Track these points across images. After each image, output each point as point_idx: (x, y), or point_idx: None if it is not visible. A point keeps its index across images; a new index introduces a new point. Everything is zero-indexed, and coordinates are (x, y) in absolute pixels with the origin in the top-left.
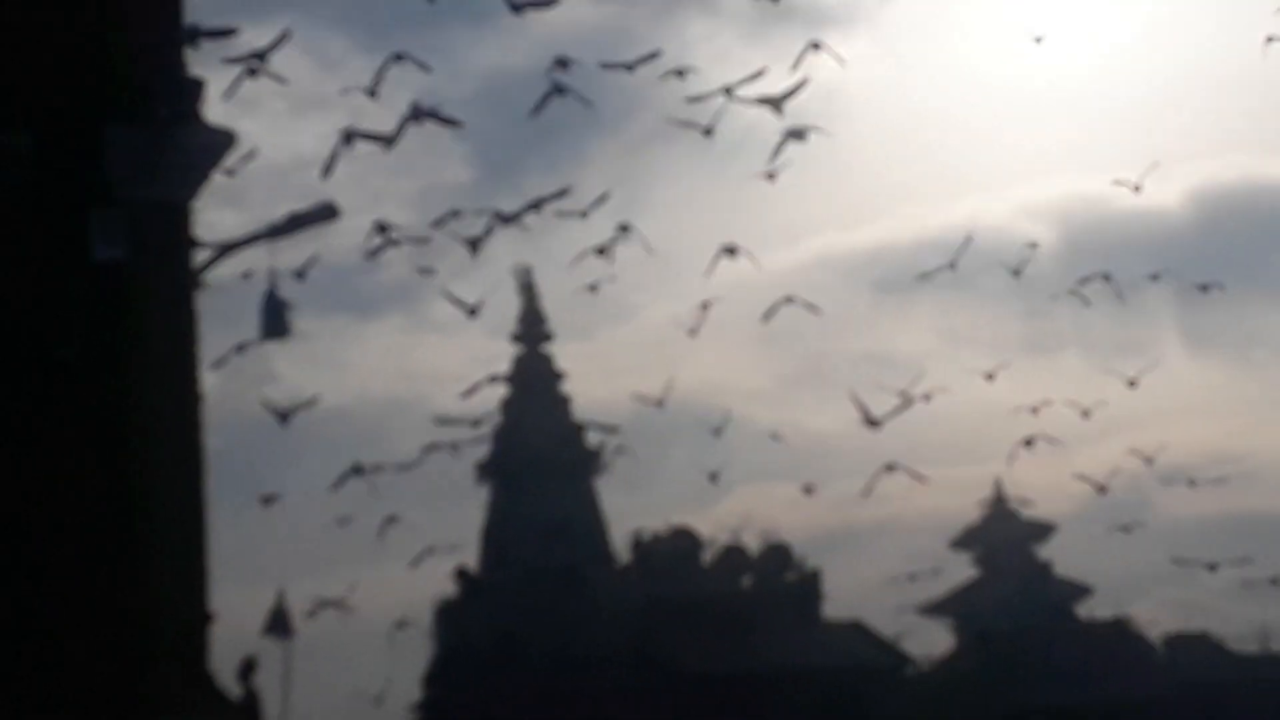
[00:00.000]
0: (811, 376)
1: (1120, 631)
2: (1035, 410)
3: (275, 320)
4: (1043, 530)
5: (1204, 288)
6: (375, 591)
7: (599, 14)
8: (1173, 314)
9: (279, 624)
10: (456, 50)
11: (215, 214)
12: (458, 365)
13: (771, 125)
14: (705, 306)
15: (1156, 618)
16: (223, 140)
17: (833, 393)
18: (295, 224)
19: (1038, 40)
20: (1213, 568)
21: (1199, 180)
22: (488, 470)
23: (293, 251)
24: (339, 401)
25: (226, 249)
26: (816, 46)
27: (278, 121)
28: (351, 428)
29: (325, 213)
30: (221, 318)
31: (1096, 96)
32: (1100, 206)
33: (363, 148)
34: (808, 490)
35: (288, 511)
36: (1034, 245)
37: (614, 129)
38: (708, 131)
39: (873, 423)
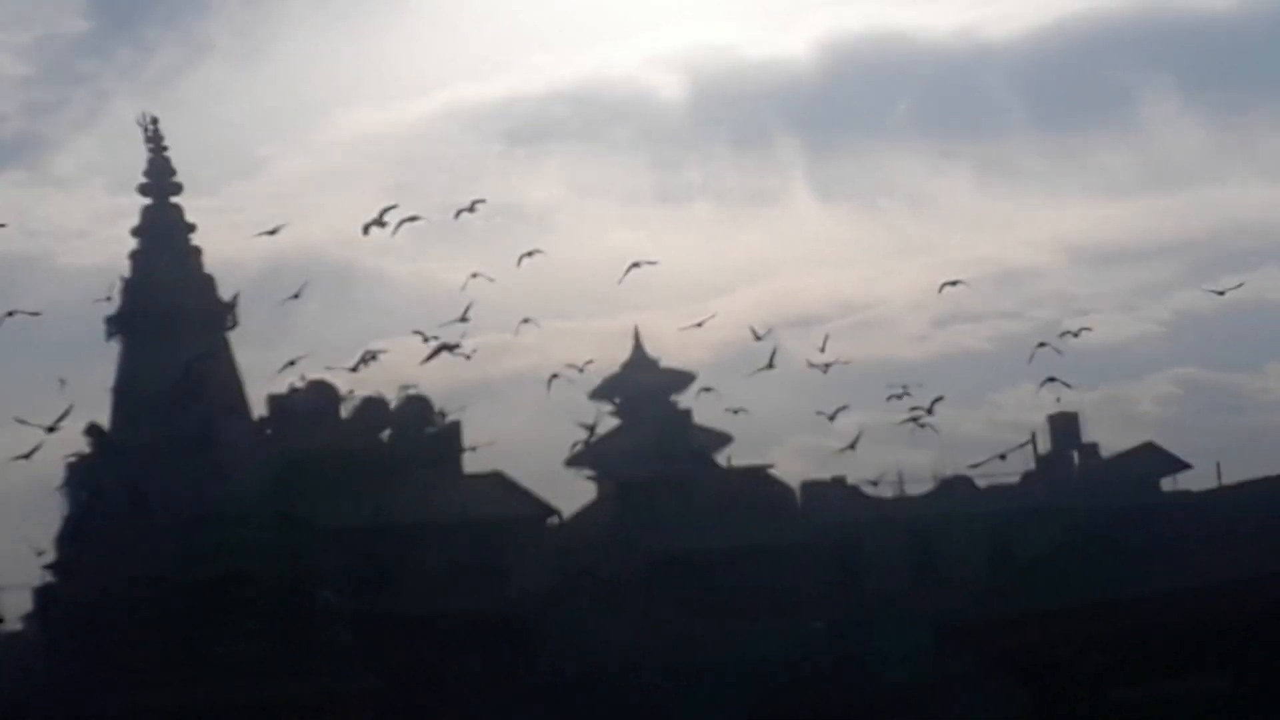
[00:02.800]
0: (443, 229)
1: (758, 478)
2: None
3: None
4: (682, 379)
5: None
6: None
7: None
8: (801, 163)
9: None
10: None
11: None
12: (81, 220)
13: None
14: None
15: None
16: None
17: (466, 245)
18: None
19: None
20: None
21: (825, 29)
22: (117, 324)
23: None
24: None
25: None
26: None
27: None
28: None
29: None
30: None
31: None
32: (728, 55)
33: None
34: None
35: None
36: None
37: None
38: None
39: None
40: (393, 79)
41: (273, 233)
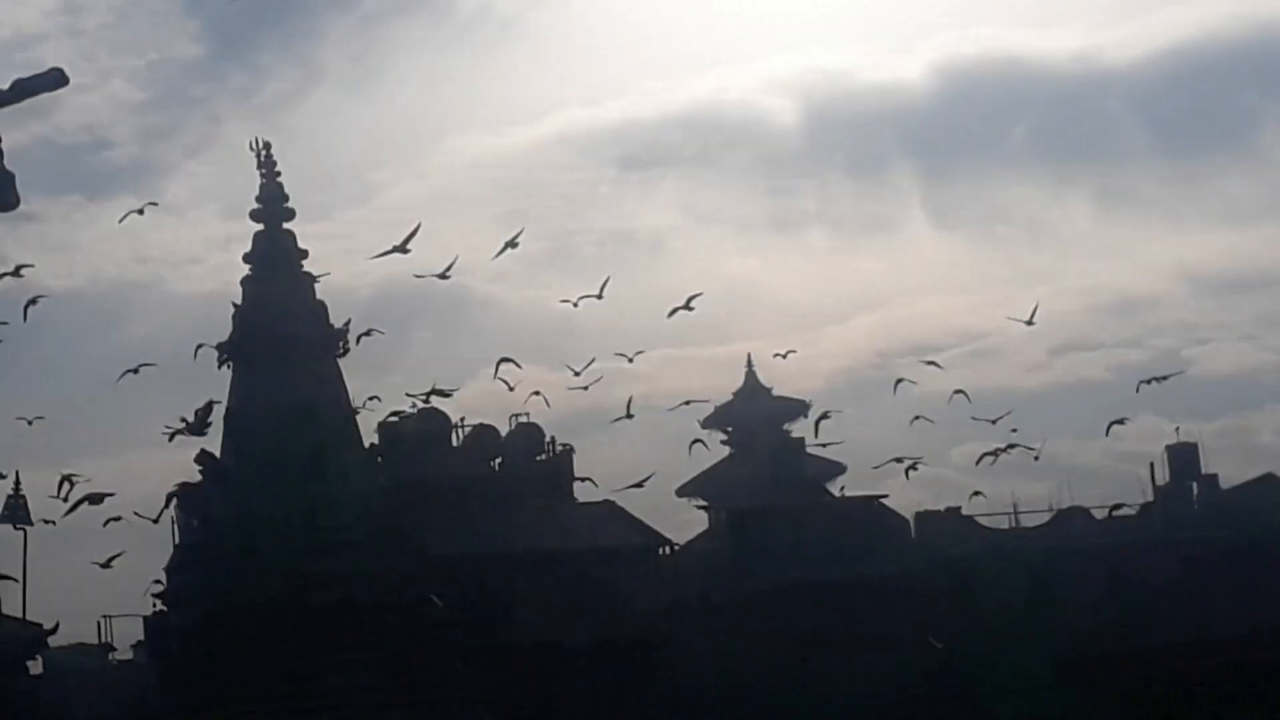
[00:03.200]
0: (556, 255)
1: (872, 508)
2: None
3: (2, 193)
4: (795, 408)
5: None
6: (121, 479)
7: None
8: (916, 190)
9: (16, 512)
10: None
11: None
12: (194, 247)
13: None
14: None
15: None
16: None
17: (579, 271)
18: (22, 91)
19: None
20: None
21: (942, 54)
22: (229, 351)
23: (18, 131)
24: (71, 285)
25: None
26: None
27: None
28: (85, 311)
29: (54, 79)
30: None
31: None
32: (843, 80)
33: (91, 21)
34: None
35: (25, 399)
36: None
37: (348, 3)
38: None
39: None
40: (506, 104)
41: (404, 250)
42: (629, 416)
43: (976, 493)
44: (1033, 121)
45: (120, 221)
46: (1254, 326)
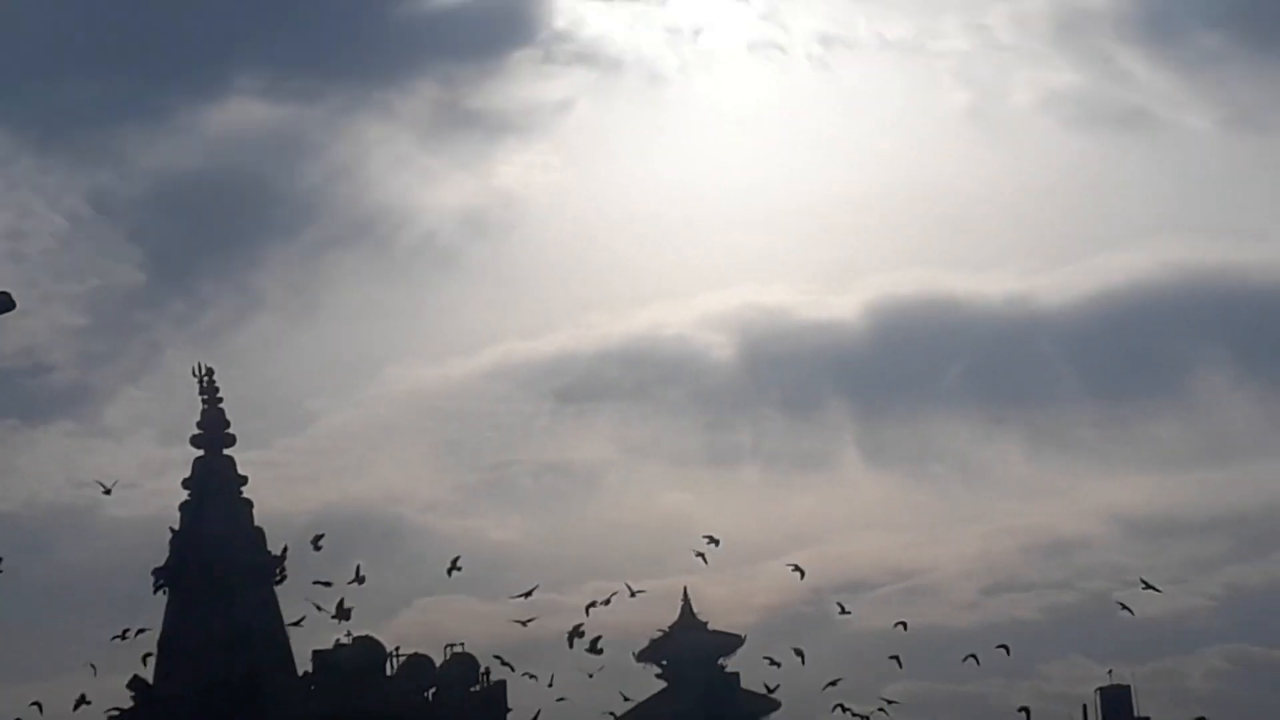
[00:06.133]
0: (492, 486)
1: None
2: None
3: None
4: (730, 642)
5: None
6: (54, 703)
7: (275, 115)
8: (851, 427)
9: None
10: (128, 150)
11: None
12: (130, 472)
13: (451, 231)
14: None
15: None
16: None
17: (514, 503)
18: None
19: None
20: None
21: (877, 293)
22: (165, 576)
23: None
24: (5, 509)
25: None
26: None
27: None
28: (19, 535)
29: (1, 303)
30: None
31: (777, 207)
32: (780, 317)
33: (34, 246)
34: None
35: None
36: None
37: (290, 233)
38: None
39: None
40: (444, 335)
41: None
42: (591, 645)
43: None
44: (966, 361)
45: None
46: (1184, 570)
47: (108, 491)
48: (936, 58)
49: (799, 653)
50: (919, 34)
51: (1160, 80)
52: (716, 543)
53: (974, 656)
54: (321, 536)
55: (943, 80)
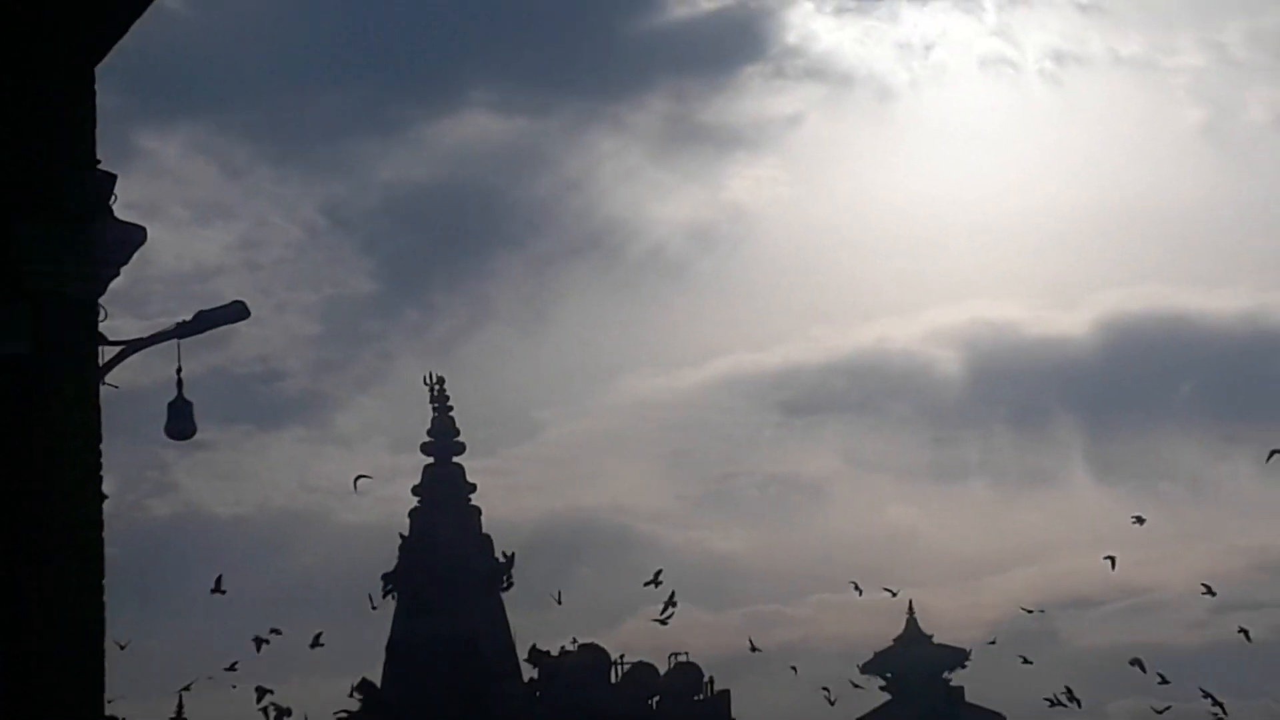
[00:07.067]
0: (717, 498)
1: None
2: None
3: (181, 421)
4: (954, 656)
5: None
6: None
7: (506, 128)
8: (1079, 443)
9: None
10: (363, 162)
11: (117, 320)
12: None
13: (679, 244)
14: None
15: None
16: (135, 236)
17: (739, 514)
18: (205, 323)
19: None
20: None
21: (1107, 309)
22: (394, 581)
23: (195, 361)
24: (239, 512)
25: (134, 345)
26: None
27: (181, 229)
28: (252, 539)
29: (236, 312)
30: (123, 421)
31: (1007, 223)
32: (1008, 333)
33: (269, 255)
34: None
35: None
36: None
37: (520, 244)
38: None
39: None
40: (671, 347)
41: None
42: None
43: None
44: (1197, 378)
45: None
46: None
47: (358, 481)
48: (1171, 74)
49: (1026, 661)
50: (1153, 50)
51: None
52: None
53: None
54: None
55: (1177, 96)
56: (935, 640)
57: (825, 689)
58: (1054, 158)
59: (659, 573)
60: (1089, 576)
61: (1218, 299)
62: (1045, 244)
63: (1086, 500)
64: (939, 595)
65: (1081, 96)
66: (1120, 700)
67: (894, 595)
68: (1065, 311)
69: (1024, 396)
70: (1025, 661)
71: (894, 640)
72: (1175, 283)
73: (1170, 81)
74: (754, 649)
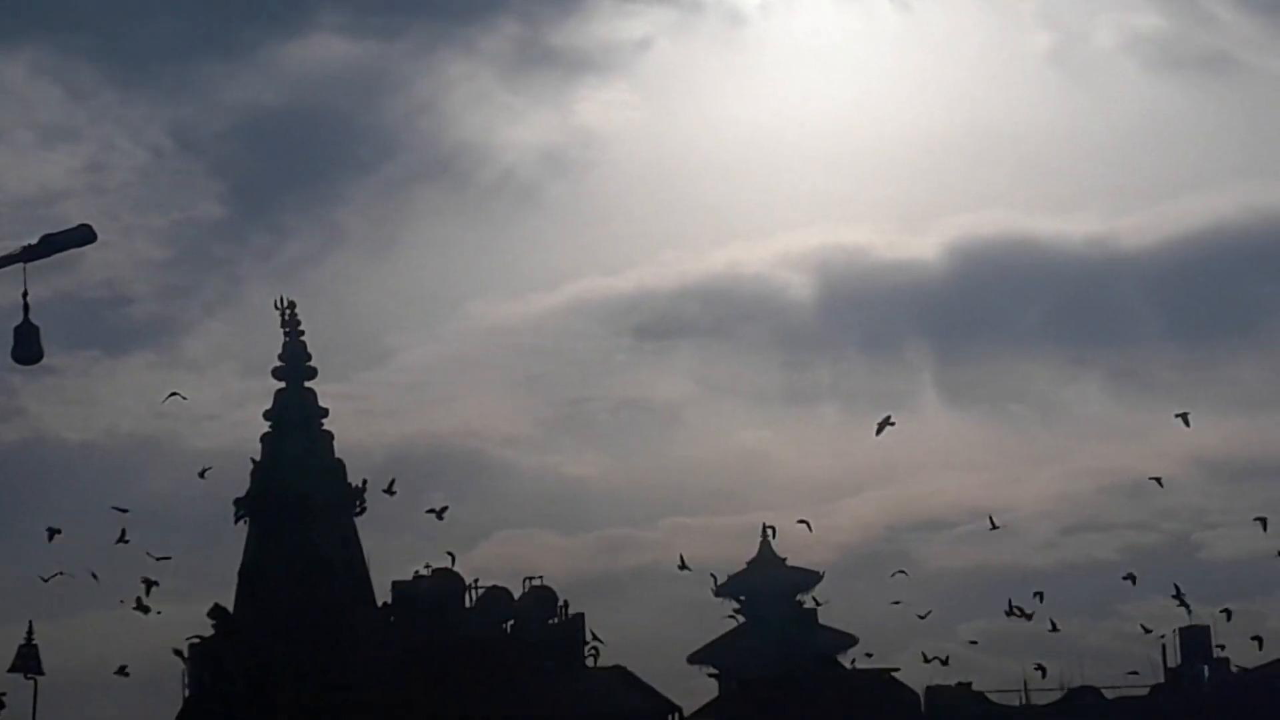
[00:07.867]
0: (570, 422)
1: (882, 682)
2: None
3: (28, 345)
4: (808, 579)
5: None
6: (125, 630)
7: (356, 51)
8: (930, 366)
9: (27, 661)
10: (210, 84)
11: None
12: (211, 404)
13: (530, 168)
14: None
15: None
16: None
17: (592, 438)
18: (51, 246)
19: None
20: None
21: (957, 233)
22: (246, 506)
23: (41, 285)
24: (88, 438)
25: None
26: None
27: (25, 152)
28: (100, 465)
29: (82, 235)
30: None
31: (857, 147)
32: (859, 257)
33: (116, 179)
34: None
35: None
36: None
37: (371, 168)
38: None
39: None
40: (524, 272)
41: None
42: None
43: None
44: (1047, 302)
45: (163, 402)
46: (1264, 511)
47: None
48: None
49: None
50: None
51: (1244, 23)
52: None
53: (1039, 595)
54: (394, 482)
55: (1025, 22)
56: (789, 563)
57: None
58: (904, 83)
59: (444, 508)
60: (940, 499)
61: (1067, 223)
62: (896, 168)
63: (937, 423)
64: (791, 518)
65: (931, 21)
66: (971, 621)
67: (810, 530)
68: (915, 235)
69: (875, 320)
70: (900, 572)
71: (747, 563)
72: (1024, 207)
73: (1018, 7)
74: (683, 566)
